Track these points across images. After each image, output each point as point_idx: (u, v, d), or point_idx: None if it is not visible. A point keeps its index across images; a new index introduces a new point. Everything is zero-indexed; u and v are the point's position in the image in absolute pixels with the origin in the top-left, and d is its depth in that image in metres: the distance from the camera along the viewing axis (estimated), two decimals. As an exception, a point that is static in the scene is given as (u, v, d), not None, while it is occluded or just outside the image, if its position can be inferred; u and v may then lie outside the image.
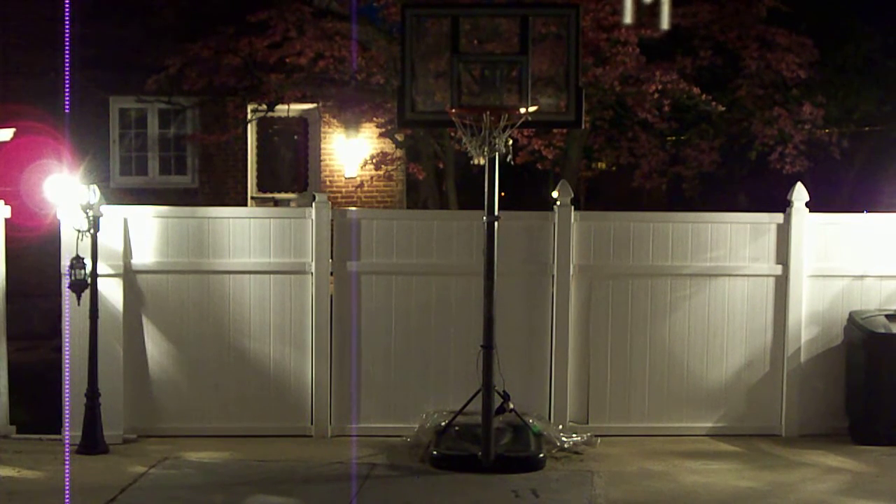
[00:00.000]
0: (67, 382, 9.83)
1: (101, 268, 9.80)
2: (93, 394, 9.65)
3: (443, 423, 9.77)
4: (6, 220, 10.13)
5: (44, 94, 15.09)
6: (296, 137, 18.01)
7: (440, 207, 15.74)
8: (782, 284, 10.42)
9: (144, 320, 10.19)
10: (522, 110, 9.01)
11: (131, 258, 10.13)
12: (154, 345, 10.21)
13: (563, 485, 8.95)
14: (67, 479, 8.79)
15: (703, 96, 13.86)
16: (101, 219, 9.71)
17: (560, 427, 10.07)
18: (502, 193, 9.66)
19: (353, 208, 13.79)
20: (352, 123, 16.53)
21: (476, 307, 9.57)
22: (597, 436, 10.10)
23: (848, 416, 10.36)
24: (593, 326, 10.40)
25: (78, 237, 9.63)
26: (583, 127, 10.61)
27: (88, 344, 9.62)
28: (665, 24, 9.95)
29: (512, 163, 9.59)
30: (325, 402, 10.24)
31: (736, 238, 10.44)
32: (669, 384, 10.45)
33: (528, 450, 9.44)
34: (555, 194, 10.44)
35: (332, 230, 10.29)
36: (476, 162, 9.23)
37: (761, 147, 15.42)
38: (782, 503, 8.64)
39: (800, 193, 10.39)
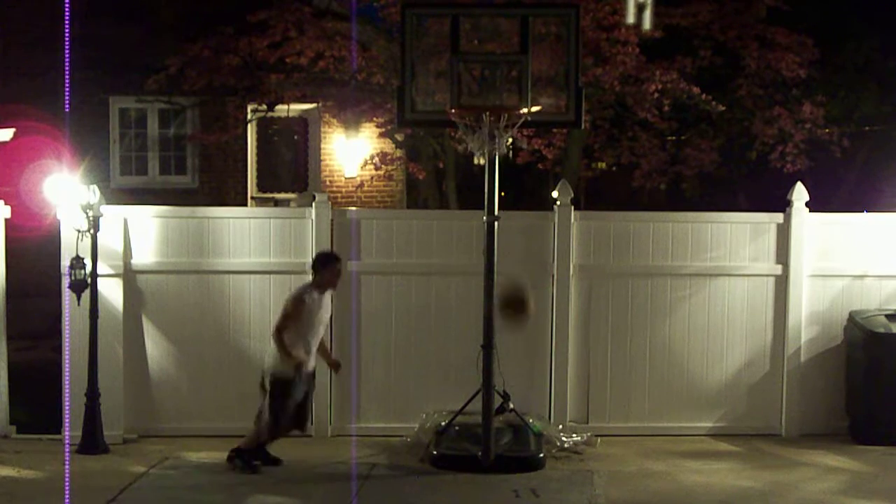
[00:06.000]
0: (67, 382, 9.83)
1: (101, 268, 9.80)
2: (93, 394, 9.66)
3: (443, 423, 9.78)
4: (6, 220, 10.13)
5: (44, 94, 15.06)
6: (296, 137, 18.00)
7: (440, 207, 15.72)
8: (782, 284, 10.42)
9: (144, 320, 10.19)
10: (523, 110, 9.02)
11: (131, 258, 10.13)
12: (154, 345, 10.21)
13: (564, 485, 8.95)
14: (67, 479, 8.80)
15: (703, 96, 13.84)
16: (101, 219, 9.71)
17: (560, 427, 10.08)
18: (502, 193, 9.68)
19: (353, 208, 13.80)
20: (352, 123, 16.50)
21: (476, 307, 9.57)
22: (597, 435, 10.11)
23: (848, 416, 10.36)
24: (593, 326, 10.40)
25: (78, 237, 9.63)
26: (582, 127, 10.61)
27: (88, 344, 9.62)
28: (648, 25, 9.92)
29: (514, 160, 9.59)
30: (325, 401, 10.24)
31: (736, 238, 10.44)
32: (669, 384, 10.45)
33: (528, 450, 9.44)
34: (555, 194, 10.45)
35: (331, 230, 10.30)
36: (476, 162, 9.23)
37: (762, 147, 15.41)
38: (782, 503, 8.65)
39: (800, 193, 10.39)
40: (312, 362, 9.20)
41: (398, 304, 10.34)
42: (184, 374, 10.25)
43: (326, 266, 9.26)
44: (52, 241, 10.13)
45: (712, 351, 10.48)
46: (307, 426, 9.42)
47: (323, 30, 14.20)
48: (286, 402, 9.03)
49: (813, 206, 10.43)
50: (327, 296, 9.30)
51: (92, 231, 9.62)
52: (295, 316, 9.03)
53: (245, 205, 17.17)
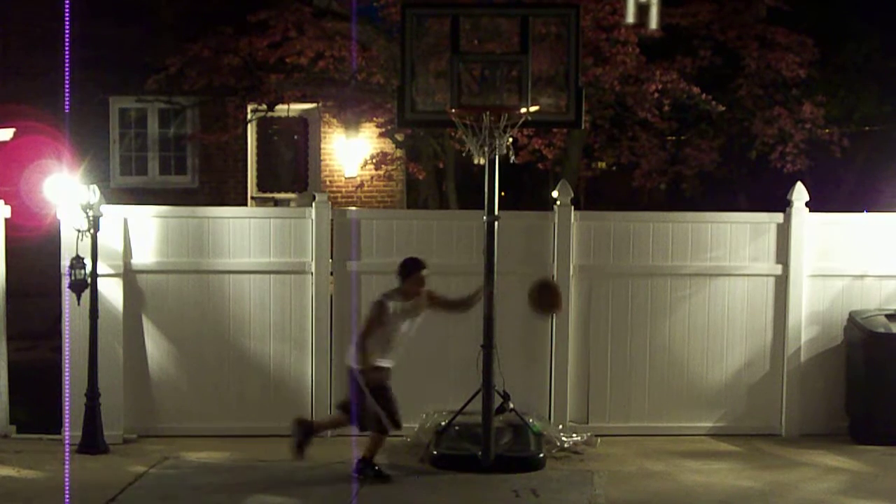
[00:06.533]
0: (67, 382, 9.83)
1: (101, 268, 9.80)
2: (93, 394, 9.65)
3: (443, 423, 9.78)
4: (6, 219, 10.13)
5: (44, 94, 15.08)
6: (296, 137, 18.01)
7: (440, 207, 15.73)
8: (782, 284, 10.42)
9: (144, 320, 10.19)
10: (522, 110, 9.01)
11: (131, 258, 10.13)
12: (154, 345, 10.21)
13: (564, 484, 8.95)
14: (67, 479, 8.79)
15: (703, 96, 13.86)
16: (101, 219, 9.71)
17: (560, 427, 10.07)
18: (502, 193, 9.66)
19: (353, 208, 13.79)
20: (352, 123, 16.52)
21: (476, 307, 9.55)
22: (597, 435, 10.11)
23: (848, 416, 10.36)
24: (593, 326, 10.40)
25: (78, 237, 9.63)
26: (582, 127, 10.61)
27: (88, 344, 9.62)
28: (654, 24, 9.90)
29: (514, 161, 9.59)
30: (325, 401, 10.24)
31: (736, 238, 10.44)
32: (669, 384, 10.45)
33: (528, 450, 9.44)
34: (555, 194, 10.45)
35: (331, 230, 10.30)
36: (476, 162, 9.23)
37: (762, 147, 15.42)
38: (782, 503, 8.65)
39: (800, 193, 10.39)
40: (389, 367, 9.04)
41: (398, 304, 10.33)
42: (184, 373, 10.25)
43: (410, 274, 8.99)
44: (52, 241, 10.12)
45: (712, 351, 10.48)
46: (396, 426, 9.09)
47: (323, 30, 14.21)
48: (388, 393, 8.91)
49: (813, 206, 10.43)
50: (416, 304, 9.04)
51: (92, 231, 9.62)
52: (377, 321, 8.86)
53: (245, 205, 17.18)
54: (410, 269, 9.04)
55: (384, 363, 8.94)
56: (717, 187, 20.04)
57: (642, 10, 9.77)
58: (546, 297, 9.29)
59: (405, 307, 8.98)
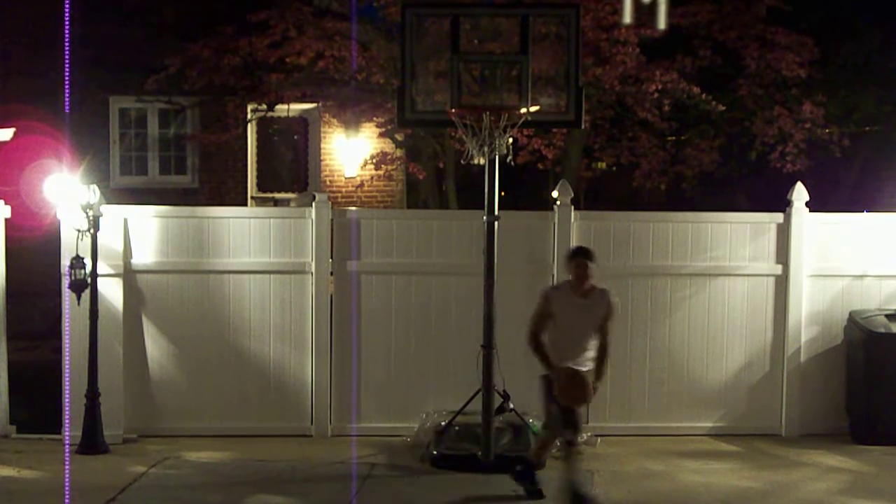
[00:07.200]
0: (67, 382, 9.84)
1: (101, 268, 9.81)
2: (93, 394, 9.66)
3: (443, 423, 9.78)
4: (6, 219, 10.13)
5: (44, 94, 15.07)
6: (296, 137, 18.00)
7: (440, 207, 15.73)
8: (782, 284, 10.43)
9: (144, 320, 10.19)
10: (522, 110, 9.01)
11: (131, 258, 10.13)
12: (154, 344, 10.21)
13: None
14: (67, 479, 8.80)
15: (704, 96, 13.86)
16: (101, 218, 9.72)
17: (560, 427, 10.06)
18: (502, 193, 9.64)
19: (353, 208, 13.80)
20: (352, 123, 16.51)
21: (476, 307, 9.56)
22: (597, 435, 10.11)
23: (848, 416, 10.37)
24: (593, 326, 10.38)
25: (78, 237, 9.64)
26: (582, 127, 10.61)
27: (88, 344, 9.62)
28: (663, 24, 9.88)
29: (512, 163, 9.59)
30: (325, 401, 10.25)
31: (736, 238, 10.44)
32: (669, 384, 10.45)
33: (528, 449, 9.42)
34: (555, 194, 10.45)
35: (331, 230, 10.30)
36: (476, 162, 9.22)
37: (762, 147, 15.41)
38: (782, 503, 8.65)
39: (800, 193, 10.39)
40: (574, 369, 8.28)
41: (398, 304, 10.34)
42: (184, 373, 10.25)
43: (568, 261, 8.49)
44: (52, 241, 10.13)
45: (712, 351, 10.48)
46: (575, 435, 8.29)
47: (323, 30, 14.22)
48: (549, 404, 8.35)
49: (813, 206, 10.43)
50: (588, 298, 8.31)
51: (92, 231, 9.62)
52: (540, 313, 8.37)
53: (245, 205, 17.17)
54: (569, 255, 8.59)
55: (563, 364, 8.22)
56: (717, 187, 20.02)
57: (649, 10, 9.78)
58: (573, 390, 8.28)
59: (572, 299, 8.30)
